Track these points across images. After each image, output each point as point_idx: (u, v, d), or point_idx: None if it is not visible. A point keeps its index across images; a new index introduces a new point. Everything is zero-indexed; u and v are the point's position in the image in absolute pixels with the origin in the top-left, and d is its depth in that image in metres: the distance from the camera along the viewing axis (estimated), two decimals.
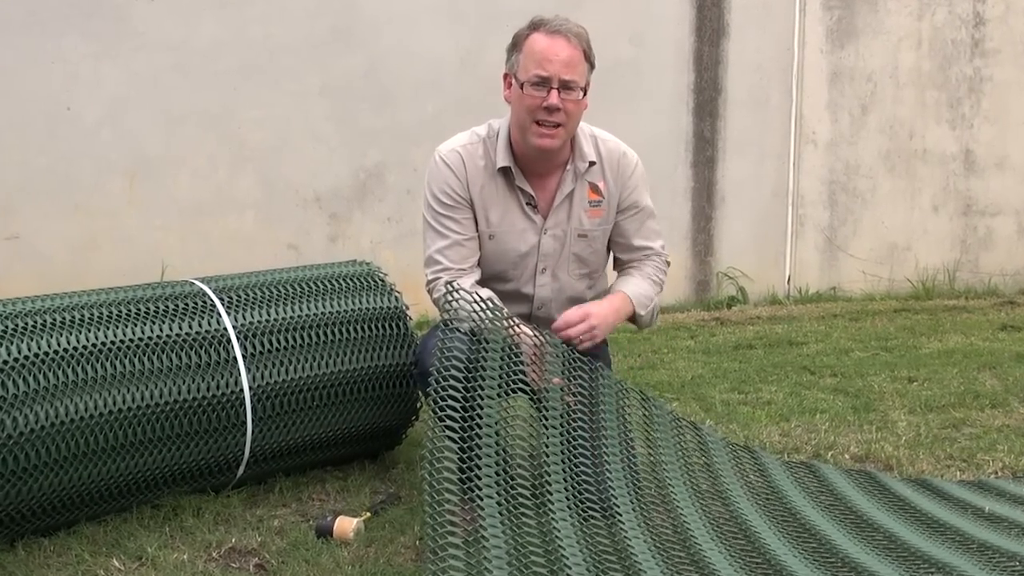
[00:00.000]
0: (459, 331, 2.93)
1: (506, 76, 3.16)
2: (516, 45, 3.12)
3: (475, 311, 2.91)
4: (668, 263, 3.42)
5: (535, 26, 3.09)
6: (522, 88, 3.07)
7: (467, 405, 2.78)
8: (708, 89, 6.95)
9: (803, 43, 7.12)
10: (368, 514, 3.09)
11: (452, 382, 2.78)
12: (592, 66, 3.14)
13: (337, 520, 2.98)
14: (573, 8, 5.69)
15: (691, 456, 3.20)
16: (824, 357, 5.37)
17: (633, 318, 3.28)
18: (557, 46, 3.04)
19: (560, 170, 3.23)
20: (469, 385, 2.81)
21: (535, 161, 3.19)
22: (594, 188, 3.26)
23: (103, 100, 5.62)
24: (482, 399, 2.80)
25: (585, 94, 3.12)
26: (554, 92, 3.04)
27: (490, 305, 2.92)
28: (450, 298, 2.95)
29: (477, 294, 2.95)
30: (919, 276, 7.42)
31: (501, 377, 2.86)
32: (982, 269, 7.58)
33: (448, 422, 2.73)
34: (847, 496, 3.17)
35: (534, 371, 2.95)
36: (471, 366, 2.84)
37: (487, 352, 2.87)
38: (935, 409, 4.33)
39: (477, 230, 3.22)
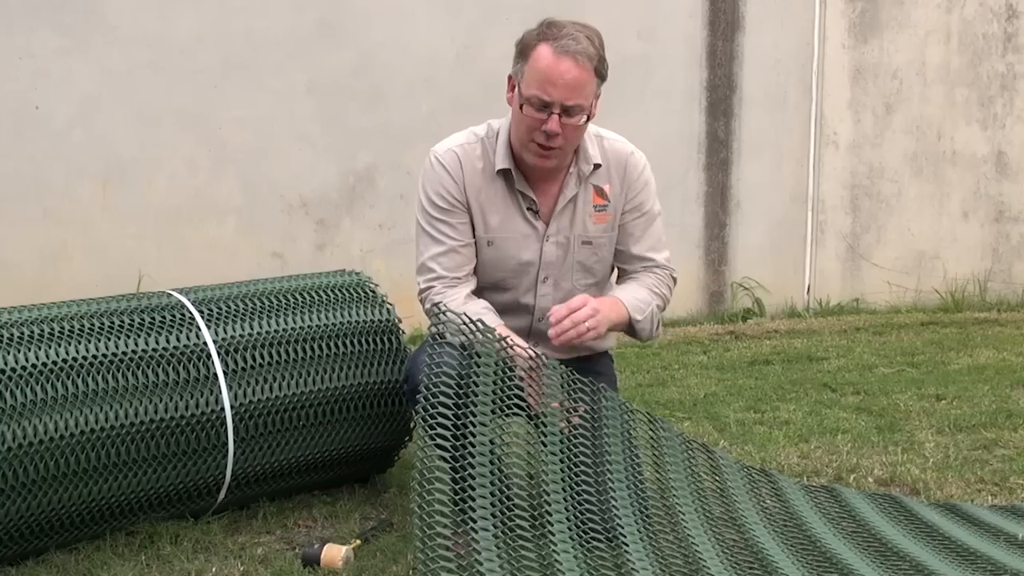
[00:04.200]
0: (449, 343, 2.93)
1: (510, 78, 3.15)
2: (523, 53, 3.08)
3: (463, 331, 2.91)
4: (675, 279, 3.40)
5: (543, 35, 3.05)
6: (521, 108, 3.06)
7: (459, 423, 2.79)
8: (722, 87, 6.97)
9: (824, 37, 7.15)
10: (358, 541, 3.10)
11: (442, 398, 2.79)
12: (603, 79, 3.11)
13: (325, 548, 2.98)
14: (578, 1, 5.73)
15: (703, 479, 3.21)
16: (846, 373, 5.38)
17: (631, 327, 3.27)
18: (563, 67, 3.00)
19: (563, 174, 3.24)
20: (461, 402, 2.82)
21: (535, 169, 3.20)
22: (599, 192, 3.27)
23: (74, 99, 5.64)
24: (475, 415, 2.81)
25: (590, 118, 3.10)
26: (554, 118, 3.02)
27: (480, 326, 2.92)
28: (435, 320, 2.96)
29: (465, 314, 2.96)
30: (948, 287, 7.44)
31: (495, 394, 2.87)
32: (1015, 279, 7.60)
33: (439, 440, 2.74)
34: (871, 522, 3.18)
35: (531, 394, 2.95)
36: (462, 381, 2.85)
37: (479, 367, 2.88)
38: (965, 429, 4.34)
39: (474, 236, 3.24)
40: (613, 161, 3.28)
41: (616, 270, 3.44)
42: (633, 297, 3.26)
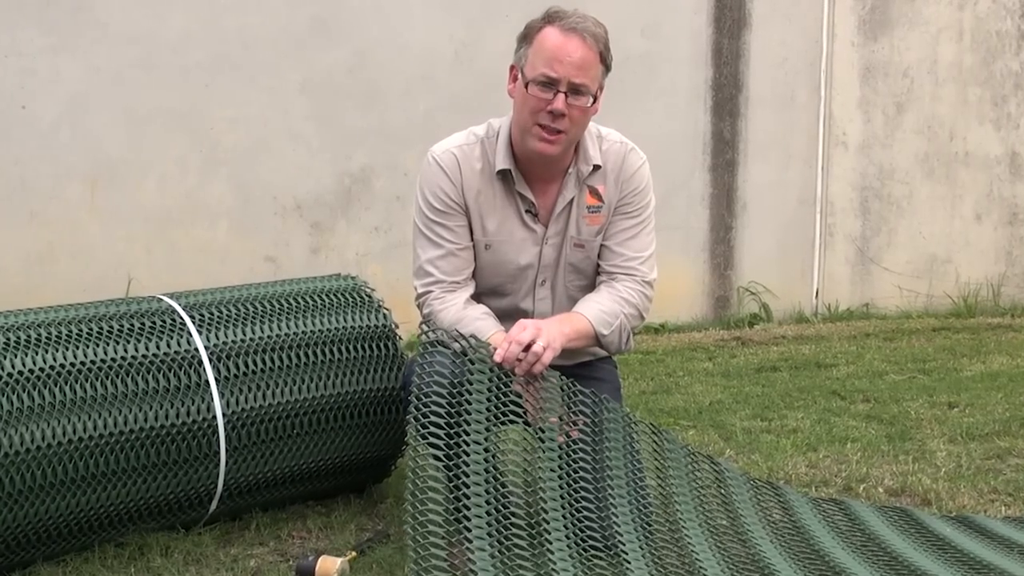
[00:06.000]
0: (441, 350, 2.94)
1: (512, 68, 3.16)
2: (527, 37, 3.11)
3: (454, 347, 2.92)
4: (650, 283, 3.29)
5: (550, 18, 3.08)
6: (527, 87, 3.07)
7: (452, 432, 2.79)
8: (728, 86, 6.98)
9: (832, 35, 7.16)
10: (354, 553, 3.10)
11: (434, 405, 2.79)
12: (608, 69, 3.13)
13: (320, 560, 2.98)
14: None
15: (707, 491, 3.21)
16: (856, 380, 5.39)
17: (598, 341, 3.21)
18: (570, 45, 3.03)
19: (563, 175, 3.24)
20: (454, 407, 2.82)
21: (536, 165, 3.20)
22: (593, 192, 3.26)
23: (61, 98, 5.65)
24: (469, 421, 2.81)
25: (596, 100, 3.11)
26: (560, 96, 3.03)
27: (472, 343, 2.92)
28: (424, 339, 2.96)
29: (455, 328, 2.97)
30: (960, 291, 7.44)
31: (489, 401, 2.87)
32: None
33: (432, 443, 2.74)
34: (880, 535, 3.18)
35: (529, 408, 2.94)
36: (455, 390, 2.85)
37: (473, 372, 2.88)
38: (978, 438, 4.34)
39: (472, 239, 3.24)
40: (611, 161, 3.27)
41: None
42: (598, 310, 3.19)
